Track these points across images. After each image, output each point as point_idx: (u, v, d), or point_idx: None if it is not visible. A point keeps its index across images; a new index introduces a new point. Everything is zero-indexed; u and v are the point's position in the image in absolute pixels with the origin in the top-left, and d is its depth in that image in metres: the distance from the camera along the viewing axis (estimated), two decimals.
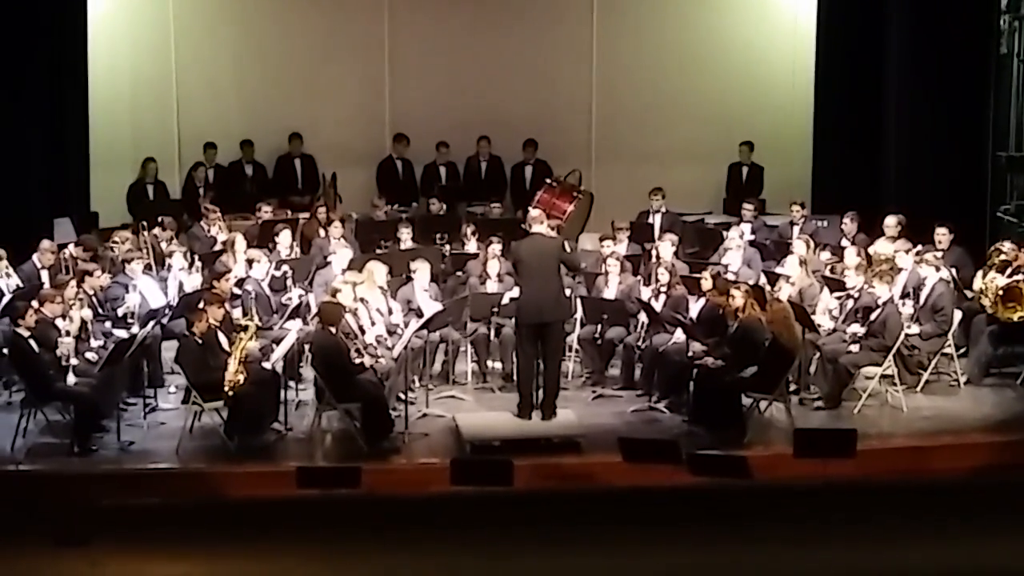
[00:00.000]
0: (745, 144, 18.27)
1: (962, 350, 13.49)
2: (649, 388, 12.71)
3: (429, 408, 12.49)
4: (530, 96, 18.43)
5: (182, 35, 18.09)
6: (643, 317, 12.99)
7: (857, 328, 12.64)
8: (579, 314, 13.53)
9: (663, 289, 13.19)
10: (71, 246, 14.29)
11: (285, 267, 13.91)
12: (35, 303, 11.84)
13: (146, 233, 15.07)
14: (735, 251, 14.74)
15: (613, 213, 15.93)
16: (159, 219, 15.43)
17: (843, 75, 17.73)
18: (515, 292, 12.55)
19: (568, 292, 13.29)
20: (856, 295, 12.90)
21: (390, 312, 12.97)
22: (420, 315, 12.84)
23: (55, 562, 5.04)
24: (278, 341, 12.42)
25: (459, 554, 5.22)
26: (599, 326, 13.19)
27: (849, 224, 15.22)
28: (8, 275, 13.38)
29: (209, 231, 15.53)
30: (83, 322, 12.25)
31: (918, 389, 12.85)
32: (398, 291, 13.37)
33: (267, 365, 12.08)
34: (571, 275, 13.53)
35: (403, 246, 14.94)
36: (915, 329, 12.88)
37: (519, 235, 12.51)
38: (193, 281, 13.79)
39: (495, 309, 13.10)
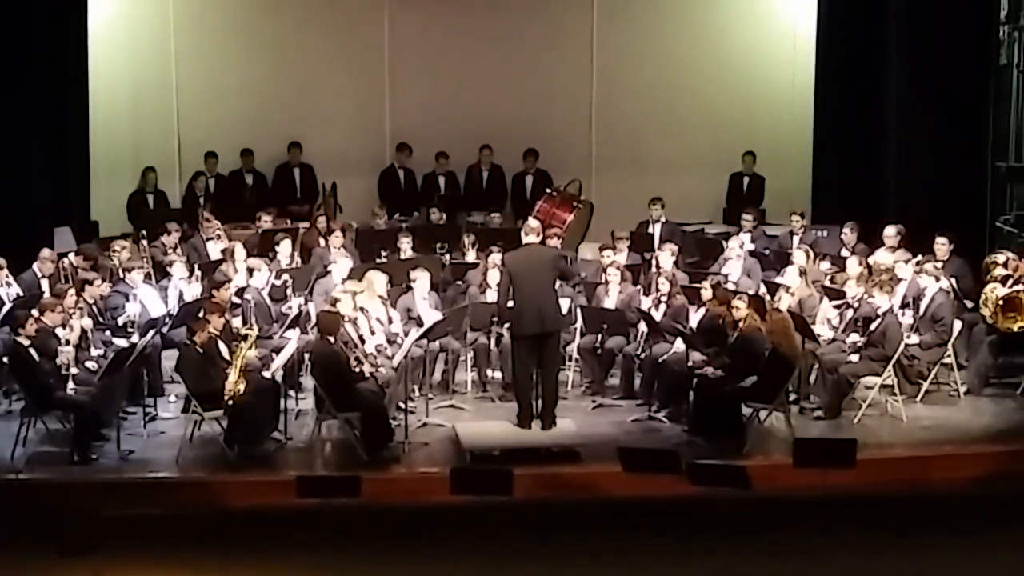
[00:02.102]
0: (748, 154, 18.26)
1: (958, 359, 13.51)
2: (649, 398, 12.71)
3: (429, 417, 12.49)
4: (530, 106, 18.43)
5: (183, 45, 18.09)
6: (643, 327, 12.99)
7: (857, 338, 12.65)
8: (579, 324, 13.53)
9: (663, 299, 13.20)
10: (71, 255, 14.28)
11: (285, 276, 13.91)
12: (35, 312, 11.83)
13: (145, 242, 15.08)
14: (735, 261, 14.74)
15: (613, 223, 15.93)
16: (165, 225, 15.41)
17: (843, 85, 17.74)
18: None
19: (568, 302, 13.31)
20: (856, 305, 12.90)
21: (390, 321, 12.97)
22: (420, 324, 12.84)
23: (60, 571, 5.05)
24: (278, 350, 12.42)
25: (459, 563, 5.23)
26: (599, 336, 13.19)
27: (849, 234, 15.21)
28: (8, 284, 13.36)
29: (207, 240, 15.51)
30: (83, 331, 12.24)
31: (918, 399, 12.84)
32: (398, 300, 13.37)
33: (267, 374, 12.08)
34: (571, 285, 13.55)
35: (403, 255, 14.94)
36: (915, 339, 12.88)
37: (517, 246, 12.50)
38: (193, 290, 13.79)
39: (495, 318, 13.09)
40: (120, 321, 12.98)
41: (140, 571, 5.13)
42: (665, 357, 12.62)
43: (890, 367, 12.42)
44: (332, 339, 11.75)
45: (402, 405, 12.15)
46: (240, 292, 13.35)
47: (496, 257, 13.74)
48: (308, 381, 12.64)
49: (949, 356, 13.11)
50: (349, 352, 11.87)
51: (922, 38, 16.75)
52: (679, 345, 12.58)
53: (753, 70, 18.63)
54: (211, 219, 15.76)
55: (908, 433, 12.25)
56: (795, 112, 18.37)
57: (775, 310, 12.73)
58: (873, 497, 6.02)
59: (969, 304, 13.70)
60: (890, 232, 14.70)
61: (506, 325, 12.51)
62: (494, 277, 13.56)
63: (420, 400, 12.71)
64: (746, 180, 18.30)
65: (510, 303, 12.12)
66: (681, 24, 18.78)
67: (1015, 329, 13.06)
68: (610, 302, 13.59)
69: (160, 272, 14.44)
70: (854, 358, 12.52)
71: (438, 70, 18.44)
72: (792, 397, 12.49)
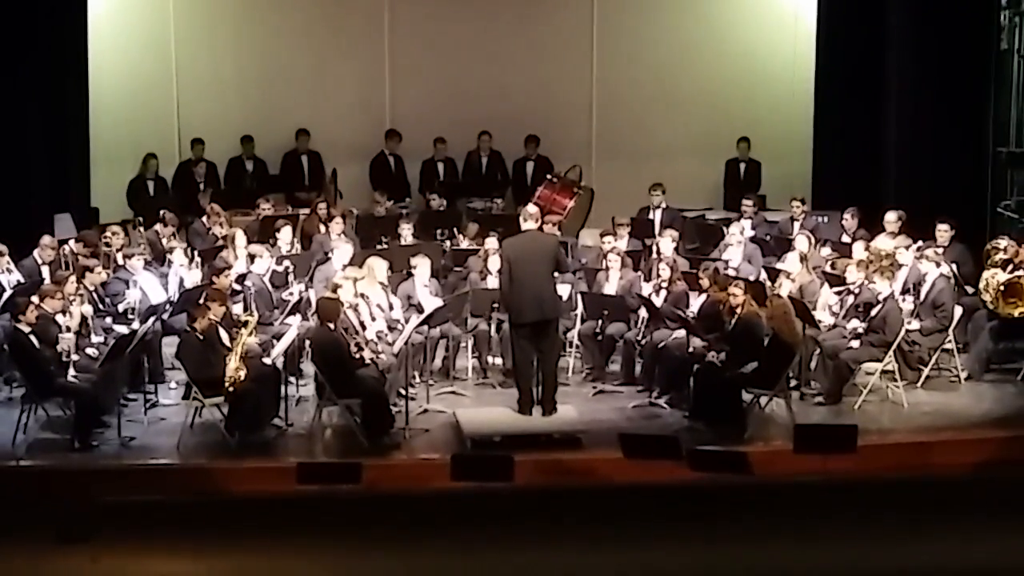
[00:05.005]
0: (743, 140, 18.27)
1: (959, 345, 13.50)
2: (650, 384, 12.71)
3: (430, 404, 12.49)
4: (531, 92, 18.42)
5: (182, 31, 18.09)
6: (644, 313, 12.99)
7: (858, 324, 12.64)
8: (580, 310, 13.52)
9: (664, 285, 13.20)
10: (72, 242, 14.30)
11: (286, 263, 13.91)
12: (36, 299, 11.82)
13: (142, 229, 15.09)
14: (736, 247, 14.73)
15: (614, 209, 15.93)
16: (160, 214, 15.43)
17: (843, 71, 17.73)
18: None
19: (569, 289, 13.30)
20: (856, 291, 12.90)
21: (391, 308, 12.97)
22: (421, 311, 12.84)
23: (57, 557, 5.05)
24: (279, 337, 12.42)
25: (460, 549, 5.23)
26: (600, 322, 13.19)
27: (850, 220, 15.22)
28: (9, 271, 13.37)
29: (211, 230, 15.50)
30: (83, 318, 12.25)
31: (919, 385, 12.84)
32: (399, 287, 13.37)
33: (267, 361, 12.08)
34: (572, 273, 13.55)
35: (403, 242, 14.94)
36: (915, 325, 12.88)
37: (517, 231, 12.48)
38: (193, 277, 13.79)
39: (496, 305, 13.08)
40: (120, 308, 12.98)
41: (138, 557, 5.12)
42: (666, 343, 12.61)
43: (891, 353, 12.42)
44: (332, 325, 11.75)
45: (403, 391, 12.16)
46: (240, 279, 13.35)
47: (492, 242, 13.74)
48: (309, 368, 12.64)
49: (950, 342, 13.12)
50: (350, 338, 11.87)
51: (923, 23, 16.75)
52: (680, 331, 12.58)
53: (754, 56, 18.62)
54: (218, 212, 15.68)
55: (909, 419, 12.25)
56: (796, 98, 18.36)
57: (776, 296, 12.73)
58: (874, 483, 6.01)
59: (970, 290, 13.70)
60: (891, 218, 14.70)
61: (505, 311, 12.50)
62: (495, 263, 13.55)
63: (421, 386, 12.71)
64: (742, 166, 18.30)
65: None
66: (682, 10, 18.77)
67: (1016, 314, 13.06)
68: (611, 288, 13.58)
69: (160, 259, 14.45)
70: (855, 344, 12.52)
71: (438, 56, 18.42)
72: (793, 383, 12.49)
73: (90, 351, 12.02)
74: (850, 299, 12.95)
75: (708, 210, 17.62)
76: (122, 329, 12.56)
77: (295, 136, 18.04)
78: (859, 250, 13.81)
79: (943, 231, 14.16)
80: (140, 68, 18.03)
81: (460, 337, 13.39)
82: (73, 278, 12.57)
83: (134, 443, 11.56)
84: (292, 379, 12.54)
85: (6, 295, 12.79)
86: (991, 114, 16.62)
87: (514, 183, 18.16)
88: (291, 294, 13.44)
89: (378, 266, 13.12)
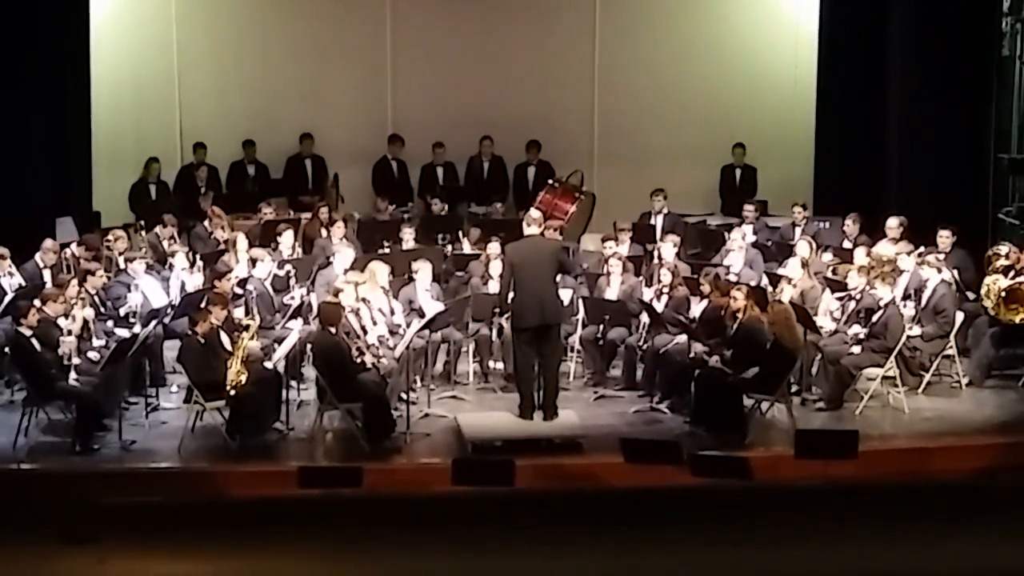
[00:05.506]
0: (738, 146, 18.28)
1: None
2: (651, 389, 12.71)
3: (431, 408, 12.50)
4: (532, 97, 18.43)
5: (184, 35, 18.10)
6: (645, 318, 13.00)
7: (859, 329, 12.65)
8: (581, 314, 13.53)
9: (665, 290, 13.20)
10: (73, 245, 14.31)
11: (288, 267, 13.92)
12: (37, 302, 11.85)
13: (143, 232, 15.10)
14: (737, 252, 14.72)
15: (615, 214, 15.93)
16: (161, 217, 15.45)
17: (845, 77, 17.74)
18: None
19: (570, 293, 13.31)
20: (858, 296, 12.91)
21: (392, 312, 12.98)
22: (422, 315, 12.84)
23: (62, 559, 5.05)
24: (280, 341, 12.43)
25: (460, 554, 5.22)
26: (601, 327, 13.19)
27: (851, 226, 15.23)
28: (11, 274, 13.38)
29: (213, 233, 15.52)
30: (85, 321, 12.25)
31: (920, 391, 12.85)
32: (400, 291, 13.38)
33: (269, 365, 12.09)
34: (572, 276, 13.55)
35: (405, 246, 14.94)
36: (917, 331, 12.89)
37: (518, 236, 12.48)
38: (195, 281, 13.81)
39: (496, 309, 13.09)
40: (122, 311, 12.99)
41: (143, 559, 5.13)
42: (667, 348, 12.61)
43: (892, 359, 12.43)
44: (334, 330, 11.76)
45: (404, 396, 12.17)
46: (242, 283, 13.36)
47: (494, 247, 13.74)
48: (310, 372, 12.65)
49: (951, 348, 13.12)
50: (351, 343, 11.87)
51: (924, 30, 16.75)
52: (681, 336, 12.58)
53: (755, 62, 18.63)
54: (219, 215, 15.71)
55: (910, 425, 12.26)
56: (797, 103, 18.37)
57: (777, 302, 12.73)
58: (875, 489, 6.01)
59: (971, 296, 13.71)
60: (892, 224, 14.71)
61: (505, 316, 12.50)
62: (496, 268, 13.56)
63: (422, 391, 12.71)
64: (738, 172, 18.30)
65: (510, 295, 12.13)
66: (684, 14, 18.78)
67: (1017, 321, 13.07)
68: (612, 293, 13.59)
69: (161, 262, 14.46)
70: (856, 350, 12.53)
71: (440, 61, 18.44)
72: (794, 388, 12.49)
73: (91, 355, 12.03)
74: (851, 305, 12.96)
75: (709, 215, 17.63)
76: (123, 333, 12.57)
77: (299, 140, 18.07)
78: (860, 256, 13.84)
79: (944, 237, 14.17)
80: (142, 72, 18.04)
81: (461, 341, 13.40)
82: (75, 282, 12.60)
83: (135, 447, 11.57)
84: (293, 383, 12.54)
85: (8, 298, 12.79)
86: (993, 120, 16.62)
87: (515, 188, 18.17)
88: (292, 298, 13.45)
89: (380, 270, 13.13)
